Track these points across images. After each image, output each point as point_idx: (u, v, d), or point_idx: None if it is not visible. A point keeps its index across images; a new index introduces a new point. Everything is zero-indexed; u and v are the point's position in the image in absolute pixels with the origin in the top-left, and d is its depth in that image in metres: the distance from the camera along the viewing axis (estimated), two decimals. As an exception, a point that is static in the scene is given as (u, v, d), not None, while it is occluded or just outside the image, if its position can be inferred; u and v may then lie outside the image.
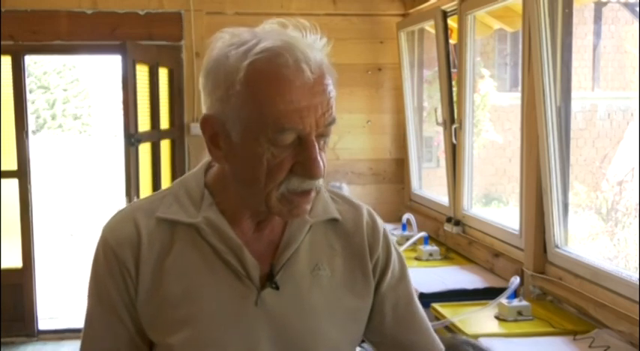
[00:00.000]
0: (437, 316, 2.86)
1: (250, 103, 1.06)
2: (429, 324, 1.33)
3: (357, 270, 1.24)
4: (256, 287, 1.15)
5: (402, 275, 1.30)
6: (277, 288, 1.16)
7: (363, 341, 1.31)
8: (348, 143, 4.95)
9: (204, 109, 1.13)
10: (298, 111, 1.05)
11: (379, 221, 1.29)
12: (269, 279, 1.16)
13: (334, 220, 1.24)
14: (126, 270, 1.16)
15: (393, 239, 1.32)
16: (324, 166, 1.10)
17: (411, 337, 1.29)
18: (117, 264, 1.16)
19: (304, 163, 1.07)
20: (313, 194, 1.13)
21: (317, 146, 1.08)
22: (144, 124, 4.44)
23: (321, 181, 1.12)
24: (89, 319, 1.21)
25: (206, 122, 1.12)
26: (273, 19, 1.12)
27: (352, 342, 1.25)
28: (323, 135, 1.10)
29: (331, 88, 1.10)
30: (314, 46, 1.10)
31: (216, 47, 1.10)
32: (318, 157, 1.08)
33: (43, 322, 4.96)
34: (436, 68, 4.32)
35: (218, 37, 1.11)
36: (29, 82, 9.38)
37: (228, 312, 1.14)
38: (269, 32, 1.09)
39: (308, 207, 1.13)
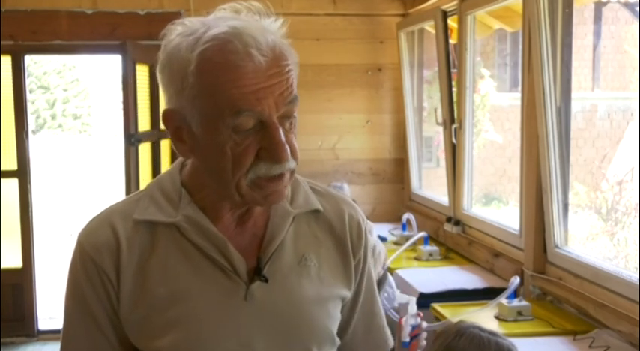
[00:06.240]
0: (437, 316, 2.86)
1: (204, 93, 1.04)
2: (383, 321, 1.35)
3: (339, 261, 1.23)
4: (244, 282, 1.13)
5: (370, 272, 1.30)
6: (266, 281, 1.14)
7: None
8: (348, 143, 4.95)
9: (164, 104, 1.12)
10: (254, 93, 1.03)
11: (362, 217, 1.28)
12: (257, 272, 1.14)
13: (316, 211, 1.23)
14: (106, 276, 1.12)
15: (371, 227, 1.32)
16: (292, 149, 1.08)
17: (366, 336, 1.31)
18: (96, 271, 1.12)
19: (269, 148, 1.05)
20: (287, 177, 1.10)
21: (280, 129, 1.05)
22: (144, 124, 4.45)
23: (292, 164, 1.09)
24: (67, 331, 1.17)
25: (167, 117, 1.10)
26: (226, 5, 1.10)
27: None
28: (287, 116, 1.07)
29: (290, 68, 1.06)
30: (268, 28, 1.07)
31: (170, 40, 1.08)
32: (282, 140, 1.05)
33: (43, 322, 4.96)
34: (436, 68, 4.32)
35: (172, 29, 1.09)
36: (29, 82, 9.37)
37: (217, 309, 1.12)
38: (219, 19, 1.07)
39: (285, 191, 1.11)
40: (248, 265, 1.14)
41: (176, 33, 1.08)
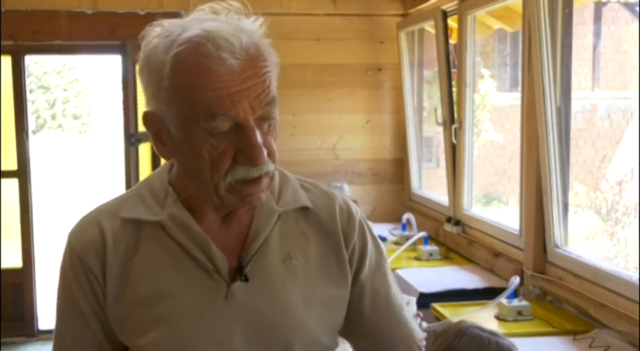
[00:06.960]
0: (437, 316, 2.86)
1: (179, 96, 1.04)
2: (406, 313, 1.30)
3: (331, 258, 1.21)
4: (226, 281, 1.13)
5: (379, 264, 1.27)
6: (247, 280, 1.13)
7: None
8: (348, 143, 4.95)
9: (144, 106, 1.12)
10: (228, 96, 1.02)
11: (354, 208, 1.26)
12: (239, 272, 1.14)
13: (305, 209, 1.21)
14: (92, 274, 1.14)
15: (371, 226, 1.29)
16: (270, 151, 1.08)
17: (388, 329, 1.26)
18: (83, 269, 1.14)
19: (245, 150, 1.05)
20: (266, 180, 1.09)
21: (257, 131, 1.05)
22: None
23: (270, 166, 1.09)
24: (58, 328, 1.20)
25: (147, 119, 1.11)
26: (205, 5, 1.09)
27: (332, 331, 1.22)
28: (265, 118, 1.06)
29: (267, 70, 1.06)
30: (244, 28, 1.05)
31: (148, 41, 1.08)
32: (259, 142, 1.05)
33: (43, 322, 4.96)
34: (436, 68, 4.32)
35: (150, 30, 1.09)
36: (29, 82, 9.37)
37: (198, 308, 1.12)
38: (194, 21, 1.06)
39: (262, 194, 1.10)
40: (231, 265, 1.14)
41: (154, 34, 1.08)
